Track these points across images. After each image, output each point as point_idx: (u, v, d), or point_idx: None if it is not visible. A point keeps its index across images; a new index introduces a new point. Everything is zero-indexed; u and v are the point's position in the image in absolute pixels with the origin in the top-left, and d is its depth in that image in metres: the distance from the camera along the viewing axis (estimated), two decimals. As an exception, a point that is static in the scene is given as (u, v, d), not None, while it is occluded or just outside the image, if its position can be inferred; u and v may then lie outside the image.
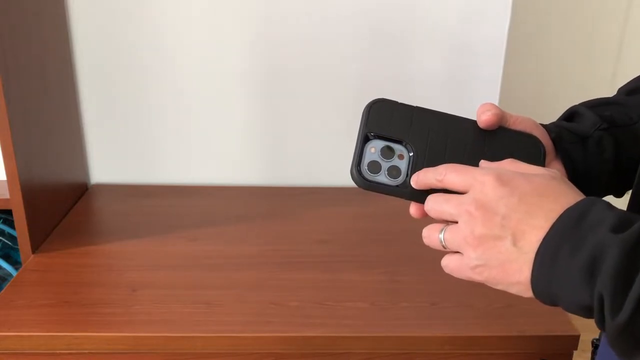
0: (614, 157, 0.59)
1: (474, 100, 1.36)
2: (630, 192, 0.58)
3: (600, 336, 0.67)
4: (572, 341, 0.91)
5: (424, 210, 0.53)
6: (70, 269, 1.06)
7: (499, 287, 0.47)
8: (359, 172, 0.52)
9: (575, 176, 0.57)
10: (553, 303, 0.45)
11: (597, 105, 0.63)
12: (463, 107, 1.38)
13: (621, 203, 0.60)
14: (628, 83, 0.67)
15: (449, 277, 1.11)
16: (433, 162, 0.52)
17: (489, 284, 0.48)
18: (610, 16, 2.19)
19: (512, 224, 0.45)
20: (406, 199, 0.52)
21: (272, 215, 1.28)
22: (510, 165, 0.50)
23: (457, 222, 0.48)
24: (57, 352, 0.91)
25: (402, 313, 0.96)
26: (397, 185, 0.52)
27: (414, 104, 0.55)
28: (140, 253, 1.11)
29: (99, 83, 1.34)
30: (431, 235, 0.51)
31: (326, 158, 1.41)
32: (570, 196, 0.46)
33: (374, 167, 0.52)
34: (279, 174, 1.42)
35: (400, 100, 0.55)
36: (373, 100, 0.54)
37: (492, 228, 0.45)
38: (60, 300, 0.97)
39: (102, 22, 1.29)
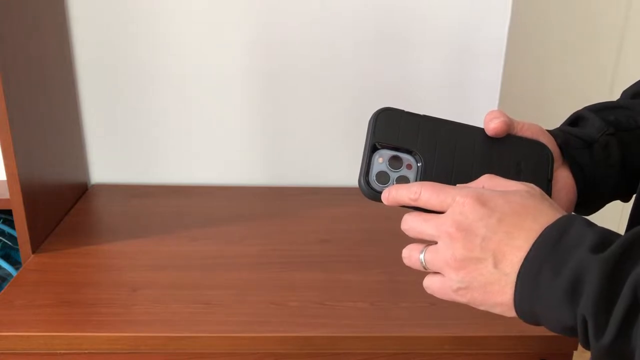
0: (621, 162, 0.58)
1: (474, 101, 1.36)
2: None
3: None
4: (572, 341, 0.91)
5: None
6: (70, 269, 1.06)
7: (482, 308, 0.47)
8: (367, 182, 0.52)
9: (583, 181, 0.57)
10: (536, 323, 0.45)
11: (602, 109, 0.62)
12: (463, 108, 1.39)
13: (613, 212, 0.60)
14: (632, 85, 0.67)
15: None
16: (442, 172, 0.51)
17: (472, 305, 0.48)
18: (610, 16, 2.19)
19: (492, 245, 0.45)
20: (415, 209, 0.52)
21: (272, 215, 1.28)
22: (488, 181, 0.50)
23: (436, 243, 0.48)
24: (57, 352, 0.90)
25: (402, 313, 0.96)
26: None
27: (420, 111, 0.54)
28: (140, 253, 1.11)
29: (99, 83, 1.34)
30: (412, 256, 0.50)
31: (326, 158, 1.41)
32: (550, 214, 0.45)
33: (383, 177, 0.52)
34: (279, 174, 1.42)
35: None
36: (379, 110, 0.53)
37: (473, 250, 0.45)
38: (60, 300, 0.97)
39: (102, 22, 1.29)
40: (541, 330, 0.92)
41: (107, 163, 1.41)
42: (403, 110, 0.54)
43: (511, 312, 0.46)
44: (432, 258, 0.48)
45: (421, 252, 0.49)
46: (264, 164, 1.42)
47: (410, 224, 0.50)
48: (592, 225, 0.44)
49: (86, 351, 0.90)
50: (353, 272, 1.07)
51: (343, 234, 1.20)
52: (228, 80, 1.34)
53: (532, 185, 0.49)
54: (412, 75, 1.34)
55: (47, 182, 1.17)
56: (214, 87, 1.35)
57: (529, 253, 0.44)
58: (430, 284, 0.50)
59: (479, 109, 1.35)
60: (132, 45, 1.31)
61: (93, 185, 1.41)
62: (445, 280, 0.48)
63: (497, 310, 0.47)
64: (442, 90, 1.36)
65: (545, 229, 0.44)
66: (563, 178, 0.57)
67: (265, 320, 0.93)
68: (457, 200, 0.47)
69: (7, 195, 1.05)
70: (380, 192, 0.52)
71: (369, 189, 0.52)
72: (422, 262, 0.49)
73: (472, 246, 0.45)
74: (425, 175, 0.52)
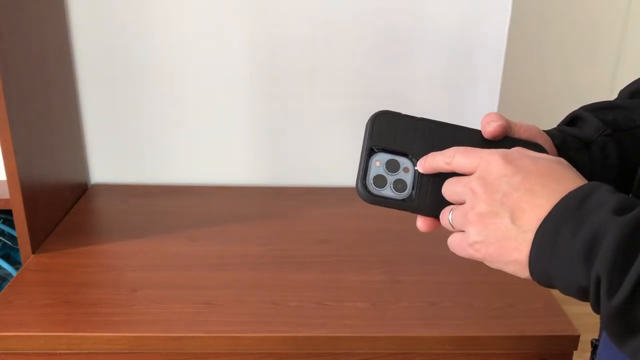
0: (618, 162, 0.58)
1: (474, 101, 1.36)
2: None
3: (599, 336, 0.67)
4: (572, 341, 0.91)
5: (431, 224, 0.52)
6: (70, 269, 1.06)
7: (496, 266, 0.47)
8: (365, 186, 0.52)
9: None
10: (549, 284, 0.45)
11: (599, 109, 0.62)
12: (464, 108, 1.39)
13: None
14: (630, 85, 0.66)
15: (449, 277, 1.11)
16: (438, 175, 0.51)
17: (486, 262, 0.48)
18: (610, 16, 2.19)
19: (512, 201, 0.45)
20: (413, 212, 0.52)
21: (272, 215, 1.28)
22: (518, 149, 0.50)
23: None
24: (57, 352, 0.91)
25: (402, 313, 0.96)
26: (403, 199, 0.51)
27: (420, 112, 0.54)
28: (140, 253, 1.11)
29: (99, 83, 1.34)
30: (443, 217, 0.51)
31: (326, 158, 1.41)
32: (576, 181, 0.45)
33: (380, 181, 0.52)
34: (279, 174, 1.42)
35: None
36: (376, 113, 0.53)
37: (492, 204, 0.45)
38: (60, 300, 0.97)
39: (102, 22, 1.29)
40: (541, 330, 0.92)
41: (107, 163, 1.41)
42: (400, 113, 0.53)
43: (524, 272, 0.45)
44: (456, 215, 0.49)
45: (450, 211, 0.50)
46: (264, 164, 1.42)
47: (447, 186, 0.50)
48: (616, 192, 0.44)
49: (86, 351, 0.90)
50: (353, 272, 1.07)
51: (343, 234, 1.20)
52: (228, 80, 1.34)
53: (561, 158, 0.49)
54: (412, 76, 1.34)
55: (47, 182, 1.17)
56: (214, 87, 1.35)
57: (550, 212, 0.43)
58: (452, 240, 0.50)
59: (479, 109, 1.35)
60: (132, 46, 1.31)
61: (93, 185, 1.41)
62: (464, 236, 0.48)
63: (510, 269, 0.46)
64: (442, 90, 1.36)
65: (570, 192, 0.44)
66: None
67: (265, 320, 0.93)
68: (485, 159, 0.47)
69: (7, 195, 1.05)
70: (377, 196, 0.51)
71: (366, 193, 0.52)
72: (450, 221, 0.50)
73: (492, 201, 0.46)
74: (421, 178, 0.52)
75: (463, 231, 0.49)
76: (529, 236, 0.44)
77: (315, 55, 1.32)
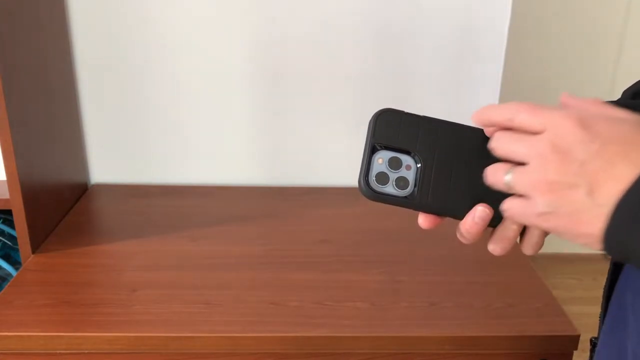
0: None
1: (474, 100, 1.36)
2: None
3: (598, 335, 0.67)
4: (572, 341, 0.91)
5: (433, 221, 0.51)
6: (70, 269, 1.06)
7: (565, 237, 0.44)
8: (367, 183, 0.52)
9: None
10: (625, 258, 0.43)
11: None
12: (464, 108, 1.39)
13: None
14: (633, 85, 0.66)
15: (449, 277, 1.11)
16: (440, 172, 0.51)
17: (553, 233, 0.45)
18: (610, 16, 2.19)
19: (589, 172, 0.41)
20: (414, 209, 0.52)
21: (272, 215, 1.28)
22: (594, 106, 0.46)
23: (525, 164, 0.45)
24: (57, 352, 0.91)
25: (402, 313, 0.96)
26: (405, 197, 0.51)
27: (420, 111, 0.54)
28: (140, 253, 1.11)
29: (99, 83, 1.34)
30: (496, 174, 0.47)
31: (326, 158, 1.41)
32: None
33: (382, 178, 0.52)
34: (279, 174, 1.42)
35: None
36: (379, 111, 0.54)
37: (567, 174, 0.42)
38: (60, 300, 0.97)
39: (103, 22, 1.29)
40: (541, 330, 0.92)
41: (107, 163, 1.41)
42: (403, 112, 0.54)
43: (596, 245, 0.43)
44: (519, 179, 0.45)
45: (507, 172, 0.46)
46: (264, 164, 1.42)
47: (502, 140, 0.46)
48: None
49: (86, 351, 0.90)
50: (353, 272, 1.07)
51: (343, 234, 1.20)
52: (228, 80, 1.34)
53: None
54: (413, 76, 1.34)
55: (47, 182, 1.17)
56: (214, 87, 1.35)
57: (632, 185, 0.40)
58: (512, 205, 0.46)
59: (479, 108, 1.35)
60: (132, 45, 1.31)
61: (93, 185, 1.41)
62: (530, 204, 0.44)
63: (580, 241, 0.43)
64: (442, 90, 1.36)
65: None
66: None
67: (265, 320, 0.93)
68: (557, 121, 0.43)
69: (7, 195, 1.05)
70: (379, 193, 0.51)
71: (369, 190, 0.52)
72: (507, 182, 0.46)
73: (567, 170, 0.42)
74: (424, 176, 0.52)
75: (521, 195, 0.45)
76: (605, 210, 0.41)
77: (315, 55, 1.32)
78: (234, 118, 1.37)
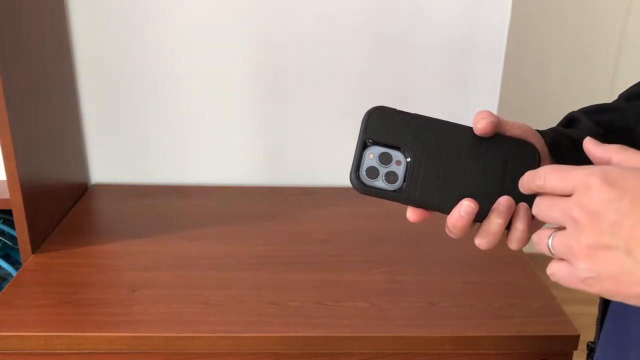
0: None
1: (474, 101, 1.36)
2: None
3: (595, 339, 0.66)
4: (572, 341, 0.91)
5: (420, 214, 0.52)
6: (70, 269, 1.06)
7: (616, 299, 0.43)
8: (358, 177, 0.53)
9: None
10: None
11: (594, 111, 0.63)
12: (464, 107, 1.39)
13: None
14: (628, 89, 0.67)
15: (449, 277, 1.11)
16: (429, 168, 0.53)
17: (603, 296, 0.44)
18: (610, 16, 2.19)
19: (624, 231, 0.40)
20: (403, 203, 0.53)
21: (272, 215, 1.28)
22: (617, 154, 0.46)
23: (564, 229, 0.44)
24: (57, 352, 0.91)
25: (402, 313, 0.96)
26: (394, 190, 0.53)
27: (420, 111, 0.56)
28: (140, 253, 1.11)
29: (99, 83, 1.34)
30: (541, 241, 0.47)
31: (326, 158, 1.41)
32: None
33: (372, 172, 0.53)
34: (279, 174, 1.42)
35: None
36: (372, 108, 0.56)
37: (601, 236, 0.41)
38: (60, 300, 0.97)
39: (103, 22, 1.29)
40: (541, 330, 0.92)
41: (107, 163, 1.41)
42: (395, 109, 0.55)
43: None
44: (558, 244, 0.44)
45: (549, 237, 0.45)
46: (264, 164, 1.42)
47: (540, 207, 0.46)
48: None
49: (86, 351, 0.90)
50: (353, 272, 1.07)
51: (343, 234, 1.20)
52: (228, 80, 1.34)
53: None
54: (413, 75, 1.34)
55: (47, 182, 1.17)
56: (214, 87, 1.35)
57: None
58: (556, 270, 0.45)
59: (479, 108, 1.35)
60: (132, 45, 1.31)
61: (93, 185, 1.41)
62: (573, 269, 0.43)
63: (633, 302, 0.42)
64: (442, 90, 1.36)
65: None
66: None
67: (265, 320, 0.93)
68: (582, 182, 0.42)
69: (7, 195, 1.05)
70: (369, 186, 0.53)
71: (359, 183, 0.53)
72: (549, 247, 0.45)
73: (600, 231, 0.41)
74: (413, 171, 0.53)
75: (563, 259, 0.45)
76: None
77: (315, 55, 1.32)
78: (234, 118, 1.37)
